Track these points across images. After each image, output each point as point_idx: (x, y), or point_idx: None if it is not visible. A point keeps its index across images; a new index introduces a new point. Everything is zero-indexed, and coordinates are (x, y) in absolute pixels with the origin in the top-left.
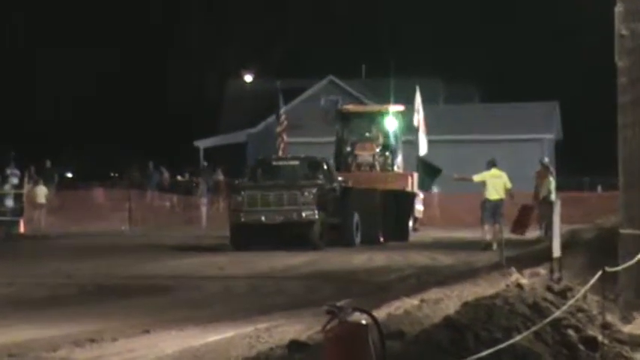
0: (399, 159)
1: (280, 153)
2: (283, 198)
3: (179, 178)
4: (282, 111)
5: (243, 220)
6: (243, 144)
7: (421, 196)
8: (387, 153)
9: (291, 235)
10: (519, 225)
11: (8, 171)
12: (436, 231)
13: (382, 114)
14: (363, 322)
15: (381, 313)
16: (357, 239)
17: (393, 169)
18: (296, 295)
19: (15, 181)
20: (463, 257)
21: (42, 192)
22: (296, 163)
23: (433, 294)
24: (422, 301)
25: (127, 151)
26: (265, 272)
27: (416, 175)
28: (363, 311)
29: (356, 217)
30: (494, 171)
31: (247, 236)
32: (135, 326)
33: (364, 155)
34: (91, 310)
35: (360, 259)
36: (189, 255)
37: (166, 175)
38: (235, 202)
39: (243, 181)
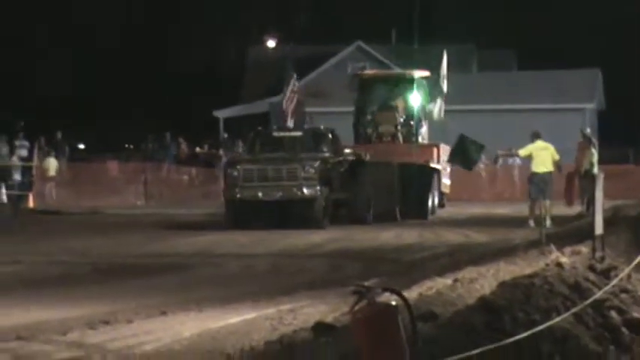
0: (424, 129)
1: (289, 124)
2: (282, 172)
3: (198, 150)
4: (293, 79)
5: (238, 196)
6: (265, 114)
7: (448, 169)
8: (411, 123)
9: (292, 213)
10: (570, 194)
11: (17, 142)
12: (470, 206)
13: (406, 80)
14: (393, 302)
15: (411, 294)
16: (370, 217)
17: (417, 141)
18: (321, 275)
19: (24, 153)
20: (499, 234)
21: (52, 165)
22: (298, 134)
23: (467, 273)
24: (455, 280)
25: (142, 122)
26: (288, 250)
27: (443, 147)
28: (392, 291)
29: (367, 193)
30: (539, 143)
31: (243, 214)
32: (151, 307)
33: (386, 125)
34: (104, 290)
35: (388, 236)
36: (208, 232)
37: (184, 146)
38: (230, 177)
39: (240, 154)
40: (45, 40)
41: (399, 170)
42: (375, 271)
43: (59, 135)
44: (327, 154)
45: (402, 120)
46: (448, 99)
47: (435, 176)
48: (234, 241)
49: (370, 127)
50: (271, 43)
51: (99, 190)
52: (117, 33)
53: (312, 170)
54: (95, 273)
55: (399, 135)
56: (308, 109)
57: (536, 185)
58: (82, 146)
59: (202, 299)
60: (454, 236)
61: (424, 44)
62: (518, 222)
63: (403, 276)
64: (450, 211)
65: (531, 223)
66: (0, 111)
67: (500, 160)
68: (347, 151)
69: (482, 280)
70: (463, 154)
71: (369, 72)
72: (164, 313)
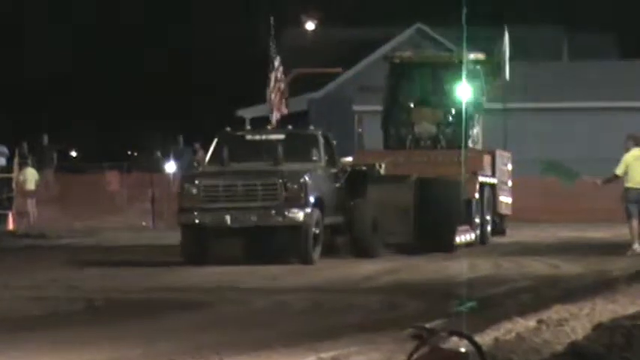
0: (476, 130)
1: (274, 123)
2: (257, 189)
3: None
4: (276, 63)
5: (197, 221)
6: (303, 113)
7: (509, 183)
8: (459, 122)
9: (272, 243)
10: None
11: None
12: (558, 229)
13: (452, 65)
14: (462, 349)
15: (485, 338)
16: (379, 247)
17: (466, 145)
18: (372, 314)
19: (2, 162)
20: (595, 264)
21: (31, 176)
22: (280, 137)
23: (555, 313)
24: (540, 322)
25: (149, 123)
26: (331, 283)
27: (501, 155)
28: (461, 335)
29: (373, 217)
30: (636, 151)
31: (205, 244)
32: (159, 354)
33: (424, 125)
34: (101, 333)
35: (457, 266)
36: (232, 260)
37: (201, 153)
38: (187, 196)
39: (201, 165)
40: (32, 23)
41: (420, 187)
42: (441, 309)
43: (45, 139)
44: (319, 165)
45: (450, 118)
46: (529, 94)
47: (485, 194)
48: (263, 273)
49: (404, 128)
50: (310, 26)
51: (95, 209)
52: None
53: (296, 186)
54: (90, 311)
55: (442, 138)
56: (357, 108)
57: (633, 203)
58: (74, 154)
59: (223, 344)
60: (539, 266)
61: (495, 26)
62: (619, 248)
63: (476, 316)
64: (534, 234)
65: (637, 248)
66: None
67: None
68: (347, 159)
69: (574, 322)
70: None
71: (402, 54)
72: None
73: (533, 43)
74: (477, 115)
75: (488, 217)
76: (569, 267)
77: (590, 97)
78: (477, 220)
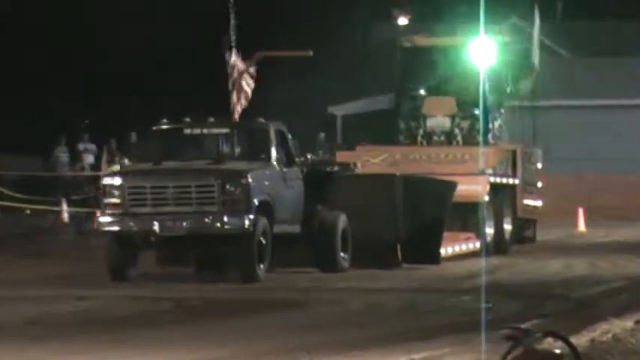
0: (498, 124)
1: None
2: (191, 191)
3: (310, 156)
4: (231, 51)
5: (119, 228)
6: (393, 111)
7: (538, 184)
8: (478, 114)
9: (209, 255)
10: None
11: (81, 146)
12: None
13: (466, 49)
14: (557, 350)
15: (581, 340)
16: (346, 260)
17: (485, 141)
18: (465, 314)
19: (90, 159)
20: None
21: None
22: (224, 131)
23: None
24: (637, 322)
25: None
26: (424, 283)
27: (523, 151)
28: (556, 336)
29: (341, 225)
30: None
31: (131, 256)
32: (253, 354)
33: (437, 118)
34: (193, 334)
35: (554, 266)
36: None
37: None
38: (109, 197)
39: (127, 163)
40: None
41: (405, 187)
42: (536, 310)
43: (133, 137)
44: (268, 163)
45: (466, 110)
46: (606, 90)
47: (501, 197)
48: (357, 272)
49: (415, 121)
50: (402, 21)
51: None
52: None
53: (237, 189)
54: (181, 311)
55: (457, 132)
56: None
57: None
58: None
59: (317, 345)
60: (636, 267)
61: (596, 20)
62: None
63: (571, 317)
64: (631, 233)
65: None
66: (51, 98)
67: None
68: (309, 157)
69: None
70: None
71: (415, 38)
72: None
73: (616, 38)
74: (498, 107)
75: (506, 225)
76: None
77: None
78: (488, 228)
